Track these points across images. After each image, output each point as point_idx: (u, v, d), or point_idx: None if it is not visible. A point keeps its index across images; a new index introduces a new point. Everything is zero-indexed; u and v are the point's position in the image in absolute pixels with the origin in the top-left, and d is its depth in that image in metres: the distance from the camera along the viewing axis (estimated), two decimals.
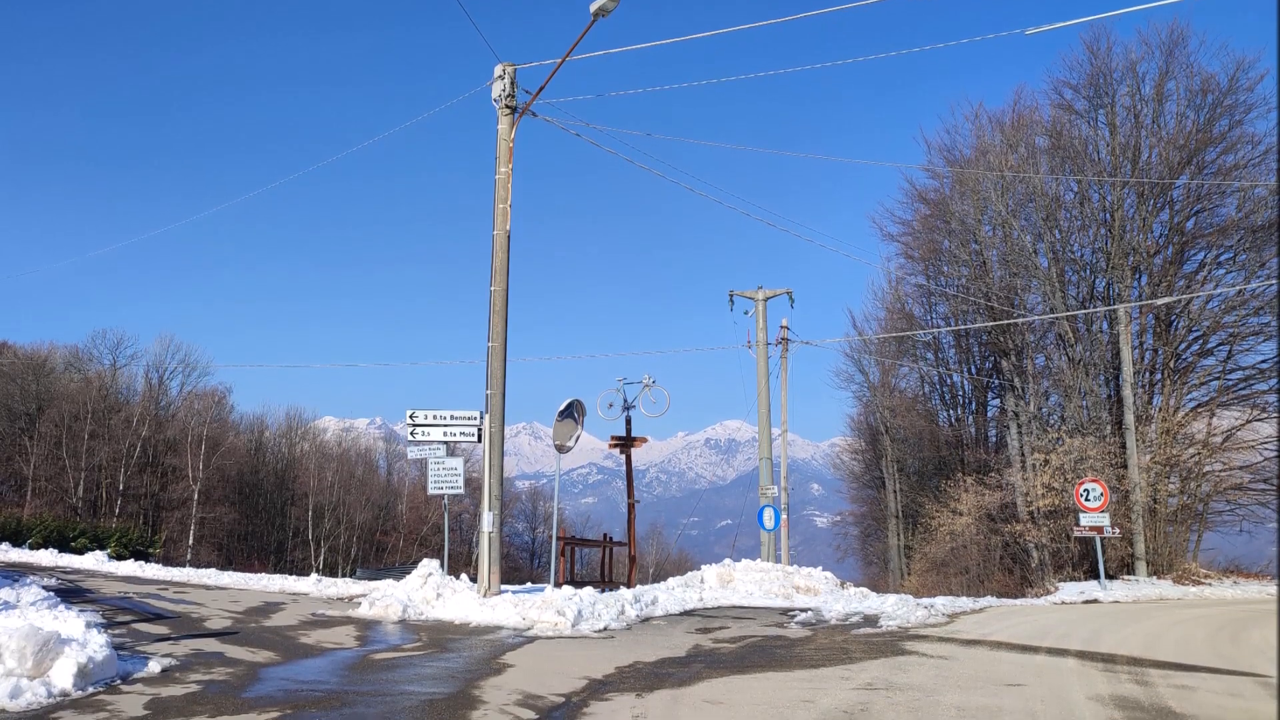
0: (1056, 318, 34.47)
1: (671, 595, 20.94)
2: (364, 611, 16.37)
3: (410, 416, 19.64)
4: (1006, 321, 36.35)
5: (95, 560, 26.99)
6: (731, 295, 36.26)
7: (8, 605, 11.65)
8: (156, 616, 14.87)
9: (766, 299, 35.63)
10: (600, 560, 29.75)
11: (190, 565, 39.80)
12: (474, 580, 18.09)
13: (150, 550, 37.41)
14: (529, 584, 25.19)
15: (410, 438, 19.85)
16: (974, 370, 45.75)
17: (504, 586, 18.54)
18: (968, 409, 47.10)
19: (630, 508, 28.41)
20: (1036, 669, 11.12)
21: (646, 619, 17.11)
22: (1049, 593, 26.73)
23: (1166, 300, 32.48)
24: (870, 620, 16.82)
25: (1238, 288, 31.91)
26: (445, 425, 19.56)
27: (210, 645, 11.99)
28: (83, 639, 9.48)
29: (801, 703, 8.93)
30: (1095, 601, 23.34)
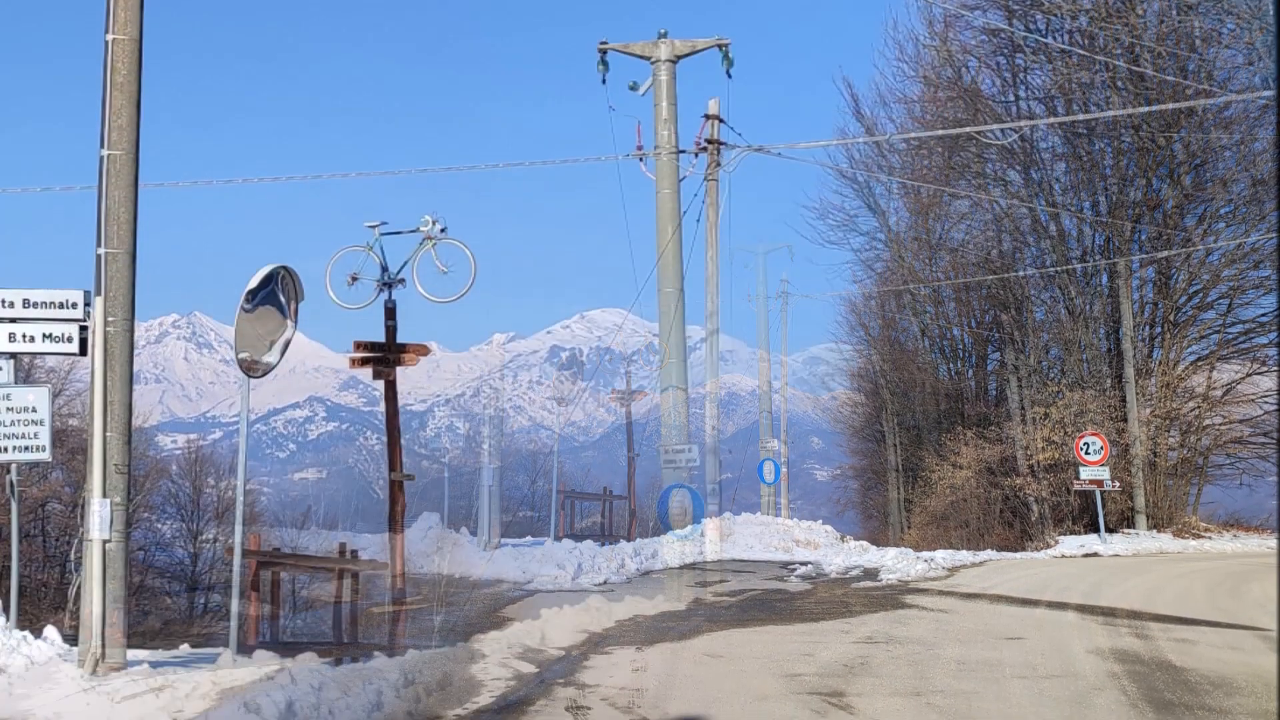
0: (1056, 270, 34.31)
1: (671, 549, 20.99)
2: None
3: None
4: (1007, 275, 36.19)
5: None
6: (603, 51, 22.35)
7: None
8: None
9: (676, 59, 22.17)
10: (600, 514, 29.85)
11: None
12: (474, 534, 18.12)
13: None
14: (529, 537, 25.20)
15: None
16: (974, 323, 45.58)
17: (504, 540, 18.58)
18: (968, 362, 46.95)
19: (630, 461, 28.45)
20: (1036, 622, 11.13)
21: (646, 572, 17.17)
22: (1049, 546, 26.77)
23: (1166, 254, 32.32)
24: (870, 574, 16.86)
25: (1238, 241, 31.73)
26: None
27: None
28: None
29: (801, 656, 8.93)
30: (1095, 555, 23.42)
